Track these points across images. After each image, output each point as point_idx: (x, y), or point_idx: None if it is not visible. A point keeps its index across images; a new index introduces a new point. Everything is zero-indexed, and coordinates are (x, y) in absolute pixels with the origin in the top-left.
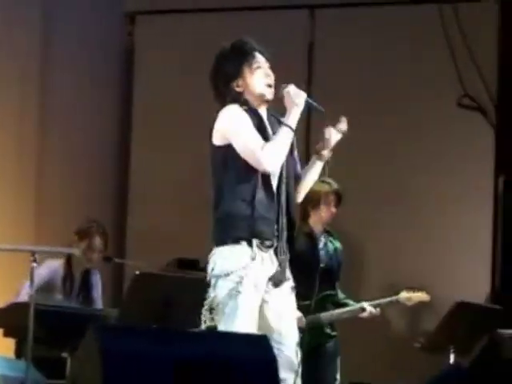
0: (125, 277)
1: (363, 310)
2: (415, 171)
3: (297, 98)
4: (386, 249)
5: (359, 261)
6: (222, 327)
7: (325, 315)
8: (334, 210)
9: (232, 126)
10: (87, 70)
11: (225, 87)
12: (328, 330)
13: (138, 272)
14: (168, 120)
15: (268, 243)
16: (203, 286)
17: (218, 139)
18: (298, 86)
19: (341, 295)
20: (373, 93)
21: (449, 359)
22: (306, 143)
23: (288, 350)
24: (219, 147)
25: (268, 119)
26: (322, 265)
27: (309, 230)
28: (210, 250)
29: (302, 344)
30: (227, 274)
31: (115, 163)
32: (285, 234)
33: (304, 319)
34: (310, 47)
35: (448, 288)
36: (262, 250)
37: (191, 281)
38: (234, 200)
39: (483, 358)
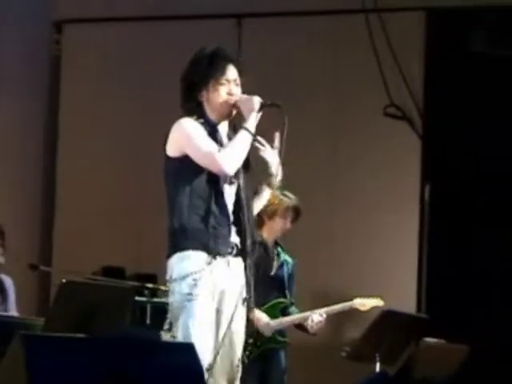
0: (51, 285)
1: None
2: (344, 180)
3: (250, 103)
4: (313, 260)
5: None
6: (178, 334)
7: (274, 322)
8: (288, 225)
9: (186, 135)
10: (13, 78)
11: (188, 92)
12: (279, 337)
13: (64, 280)
14: (94, 127)
15: (220, 256)
16: (129, 294)
17: (171, 150)
18: None
19: (292, 307)
20: (298, 101)
21: (375, 367)
22: None
23: (230, 362)
24: (172, 158)
25: (228, 135)
26: (271, 273)
27: (262, 239)
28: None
29: (252, 352)
30: (182, 278)
31: (41, 173)
32: (250, 251)
33: (271, 325)
34: (237, 56)
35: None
36: (217, 257)
37: (117, 289)
38: (189, 213)
39: (409, 366)
